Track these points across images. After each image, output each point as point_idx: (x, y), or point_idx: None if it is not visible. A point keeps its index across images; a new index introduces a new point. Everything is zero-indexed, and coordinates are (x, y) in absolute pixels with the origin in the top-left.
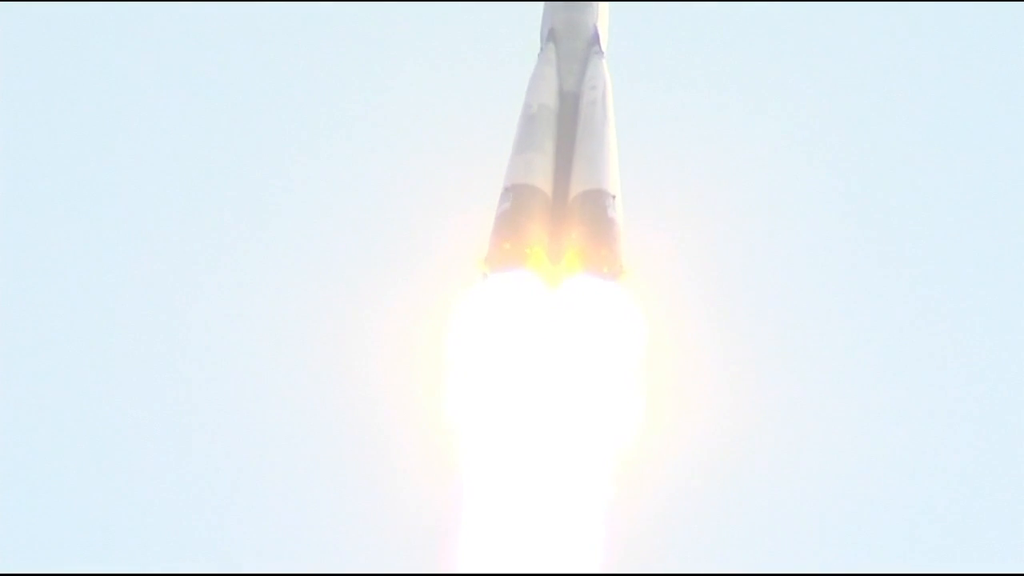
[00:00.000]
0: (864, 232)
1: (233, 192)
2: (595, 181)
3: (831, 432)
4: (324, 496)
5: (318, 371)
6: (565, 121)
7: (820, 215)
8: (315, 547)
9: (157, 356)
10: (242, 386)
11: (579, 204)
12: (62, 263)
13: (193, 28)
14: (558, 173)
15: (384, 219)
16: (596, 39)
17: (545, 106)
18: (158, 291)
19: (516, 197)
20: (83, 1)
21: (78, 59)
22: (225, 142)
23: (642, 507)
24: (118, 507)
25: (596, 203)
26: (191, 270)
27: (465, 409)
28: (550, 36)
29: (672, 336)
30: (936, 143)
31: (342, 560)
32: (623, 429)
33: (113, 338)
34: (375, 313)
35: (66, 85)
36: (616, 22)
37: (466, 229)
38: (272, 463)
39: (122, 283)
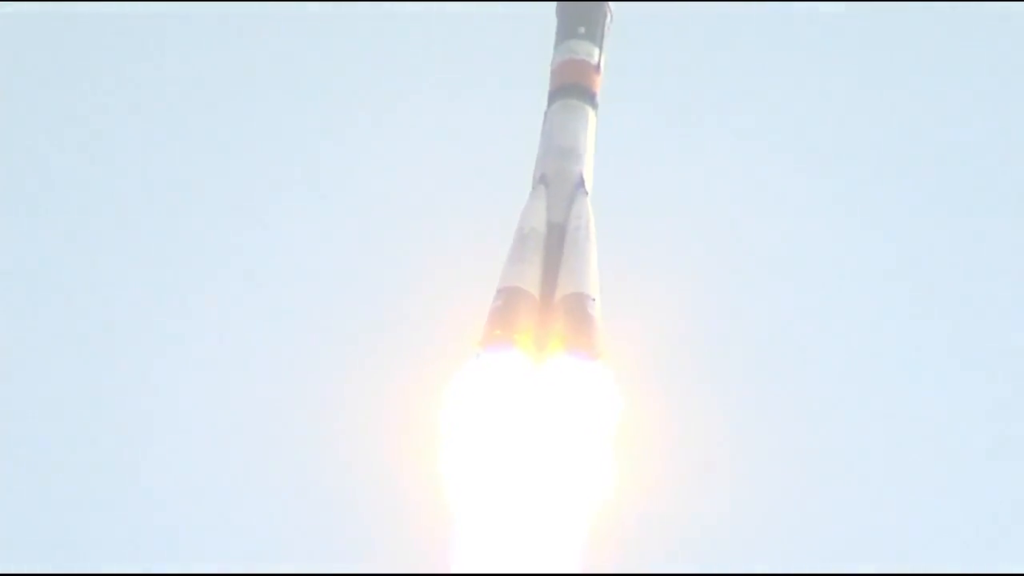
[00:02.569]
0: (847, 302)
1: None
2: (577, 286)
3: (815, 511)
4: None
5: (322, 431)
6: (552, 244)
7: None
8: None
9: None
10: (239, 445)
11: (563, 303)
12: (61, 263)
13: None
14: (545, 281)
15: (392, 306)
16: (581, 182)
17: (535, 230)
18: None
19: (507, 296)
20: (83, 1)
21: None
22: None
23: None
24: (118, 507)
25: (578, 302)
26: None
27: (457, 469)
28: (541, 179)
29: (643, 408)
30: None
31: None
32: (598, 489)
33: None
34: (381, 381)
35: (66, 85)
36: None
37: (463, 321)
38: (268, 529)
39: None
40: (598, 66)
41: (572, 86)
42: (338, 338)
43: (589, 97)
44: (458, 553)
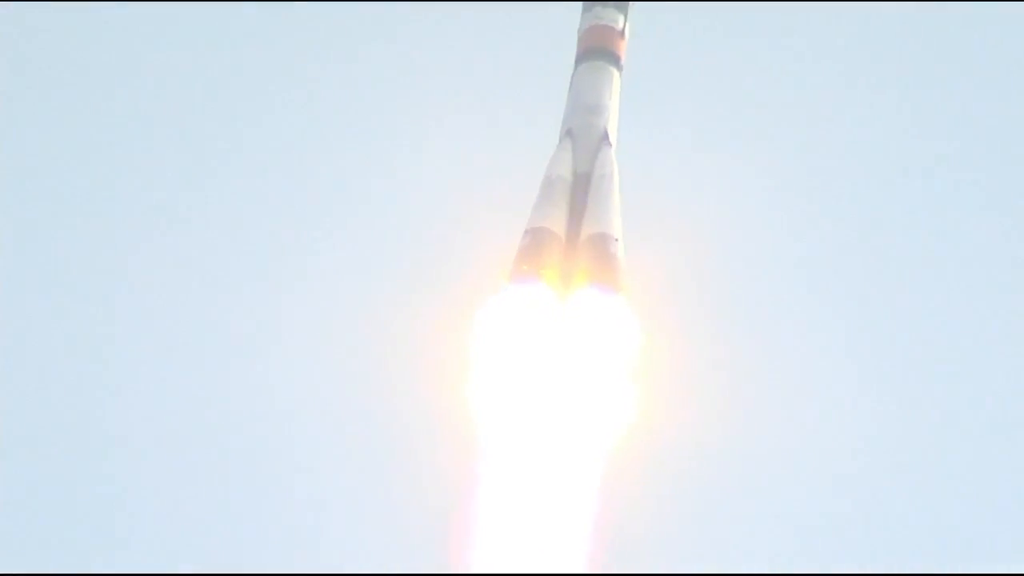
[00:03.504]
0: (857, 244)
1: (258, 180)
2: (601, 226)
3: (821, 434)
4: (350, 475)
5: (356, 362)
6: (578, 191)
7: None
8: (332, 533)
9: (173, 350)
10: (268, 383)
11: (587, 243)
12: (62, 263)
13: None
14: (570, 223)
15: (428, 243)
16: (606, 135)
17: (562, 177)
18: (174, 292)
19: (535, 235)
20: (83, 1)
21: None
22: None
23: (631, 497)
24: (118, 507)
25: (601, 242)
26: (216, 280)
27: (485, 397)
28: (568, 133)
29: (663, 339)
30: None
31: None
32: (618, 418)
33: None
34: (417, 311)
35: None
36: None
37: (494, 259)
38: (292, 453)
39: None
40: (623, 31)
41: (598, 49)
42: (379, 272)
43: (614, 59)
44: (486, 480)
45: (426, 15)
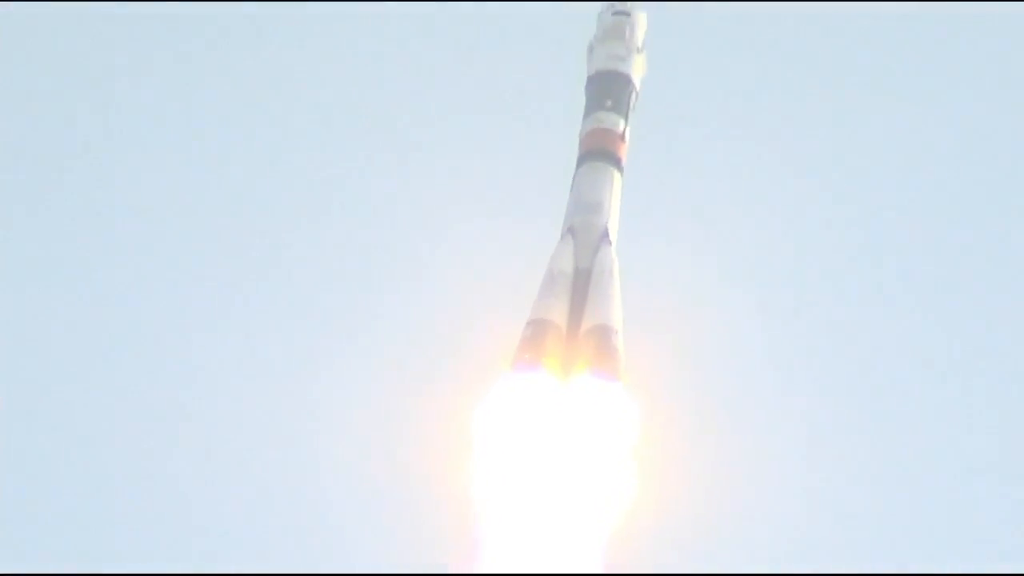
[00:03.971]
0: (847, 329)
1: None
2: (601, 318)
3: (818, 510)
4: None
5: (366, 443)
6: (579, 286)
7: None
8: None
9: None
10: (285, 460)
11: (587, 334)
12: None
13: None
14: (572, 315)
15: (436, 334)
16: (606, 233)
17: (563, 272)
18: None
19: (536, 327)
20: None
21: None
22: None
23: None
24: (118, 507)
25: (602, 333)
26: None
27: (487, 477)
28: (569, 230)
29: (661, 425)
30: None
31: None
32: (617, 497)
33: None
34: (423, 396)
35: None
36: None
37: (496, 349)
38: (301, 528)
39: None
40: (623, 135)
41: (599, 151)
42: (390, 360)
43: (615, 161)
44: (484, 557)
45: (440, 121)
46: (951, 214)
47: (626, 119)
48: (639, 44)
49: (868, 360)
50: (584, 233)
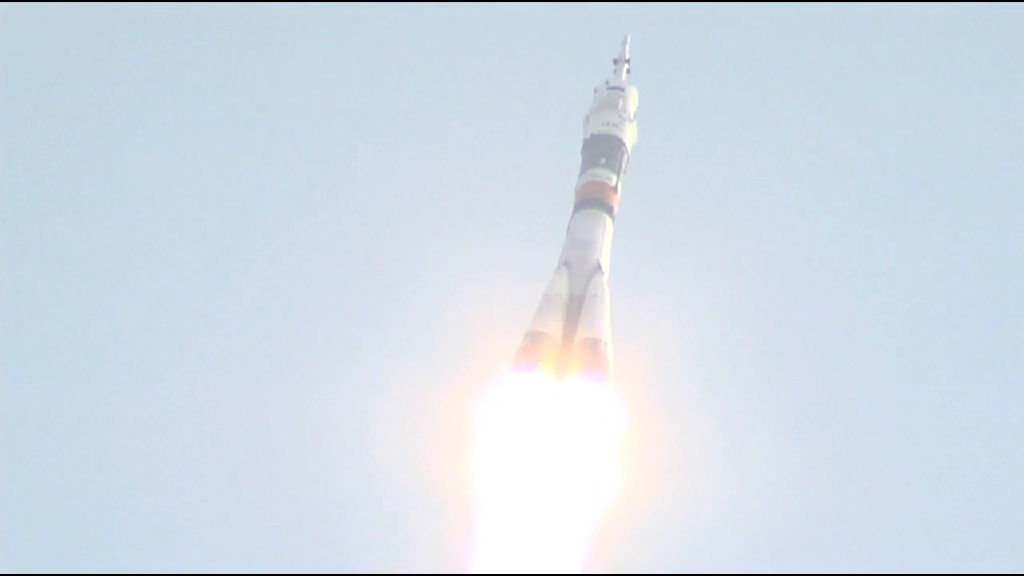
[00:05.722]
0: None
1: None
2: (592, 332)
3: (796, 506)
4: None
5: (376, 430)
6: (573, 307)
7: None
8: None
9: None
10: (288, 451)
11: (579, 345)
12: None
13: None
14: (565, 330)
15: (443, 346)
16: (599, 266)
17: (559, 295)
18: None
19: (533, 338)
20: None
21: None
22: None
23: (613, 559)
24: (118, 507)
25: (593, 344)
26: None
27: (486, 466)
28: (565, 263)
29: (645, 424)
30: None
31: None
32: (604, 488)
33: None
34: (429, 395)
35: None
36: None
37: (497, 359)
38: (304, 519)
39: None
40: (615, 188)
41: (593, 199)
42: (402, 363)
43: (607, 208)
44: (482, 539)
45: (452, 169)
46: (928, 217)
47: (618, 176)
48: (631, 115)
49: (843, 360)
50: (579, 265)
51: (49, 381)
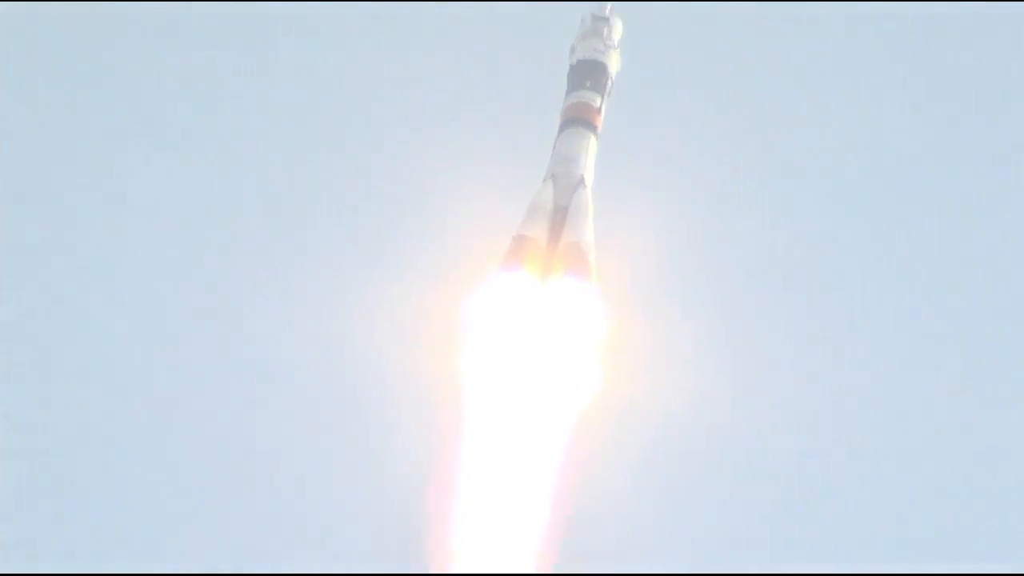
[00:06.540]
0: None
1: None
2: (576, 237)
3: (773, 402)
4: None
5: (358, 336)
6: (557, 217)
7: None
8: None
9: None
10: (273, 357)
11: (564, 248)
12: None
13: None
14: (551, 236)
15: (432, 248)
16: (582, 180)
17: (544, 205)
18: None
19: (520, 241)
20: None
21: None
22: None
23: (596, 454)
24: (118, 507)
25: (576, 248)
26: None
27: (472, 361)
28: (550, 176)
29: (629, 320)
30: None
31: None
32: (588, 383)
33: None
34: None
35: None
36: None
37: (486, 254)
38: (293, 415)
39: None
40: (599, 109)
41: (578, 119)
42: (393, 264)
43: (592, 128)
44: (472, 432)
45: (447, 106)
46: (923, 211)
47: (602, 97)
48: (615, 43)
49: (803, 261)
50: (564, 178)
51: (49, 381)
